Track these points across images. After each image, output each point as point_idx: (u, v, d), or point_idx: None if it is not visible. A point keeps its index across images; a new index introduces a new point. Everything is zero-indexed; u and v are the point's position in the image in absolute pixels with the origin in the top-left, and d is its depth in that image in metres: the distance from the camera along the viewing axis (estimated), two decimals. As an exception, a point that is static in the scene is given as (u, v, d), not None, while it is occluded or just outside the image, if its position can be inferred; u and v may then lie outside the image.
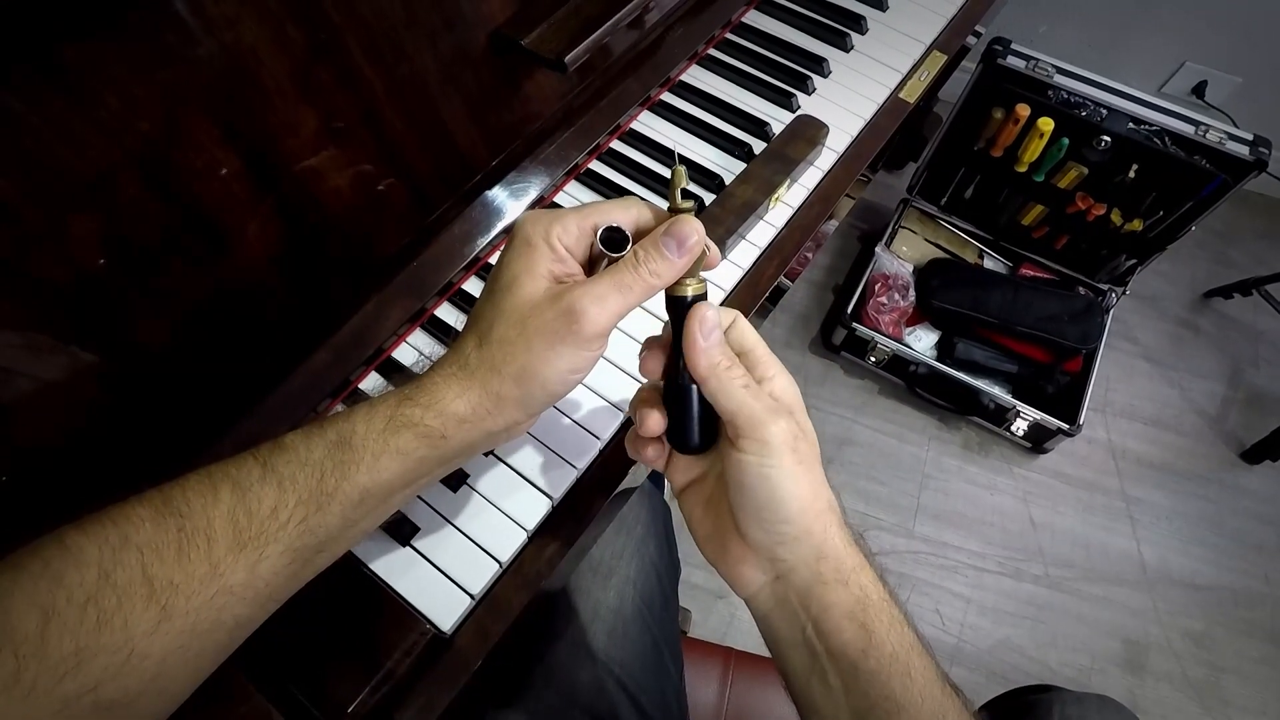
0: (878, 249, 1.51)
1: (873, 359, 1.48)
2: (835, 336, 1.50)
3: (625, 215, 0.38)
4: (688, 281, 0.37)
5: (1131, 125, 1.24)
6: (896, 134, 0.70)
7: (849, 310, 1.45)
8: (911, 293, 1.49)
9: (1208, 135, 1.20)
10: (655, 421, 0.39)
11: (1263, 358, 1.62)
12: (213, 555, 0.32)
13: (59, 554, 0.30)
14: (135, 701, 0.31)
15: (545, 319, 0.36)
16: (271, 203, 0.43)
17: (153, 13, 0.36)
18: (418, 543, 0.47)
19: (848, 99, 0.68)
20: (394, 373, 0.53)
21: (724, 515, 0.40)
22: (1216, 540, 1.43)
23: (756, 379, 0.38)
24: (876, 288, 1.48)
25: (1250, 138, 1.21)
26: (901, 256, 1.54)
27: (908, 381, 1.47)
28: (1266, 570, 1.41)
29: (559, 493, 0.49)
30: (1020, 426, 1.42)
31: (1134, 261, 1.43)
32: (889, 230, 1.56)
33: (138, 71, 0.36)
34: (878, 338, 1.42)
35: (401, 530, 0.47)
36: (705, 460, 0.42)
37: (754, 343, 0.40)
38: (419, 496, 0.48)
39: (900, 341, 1.44)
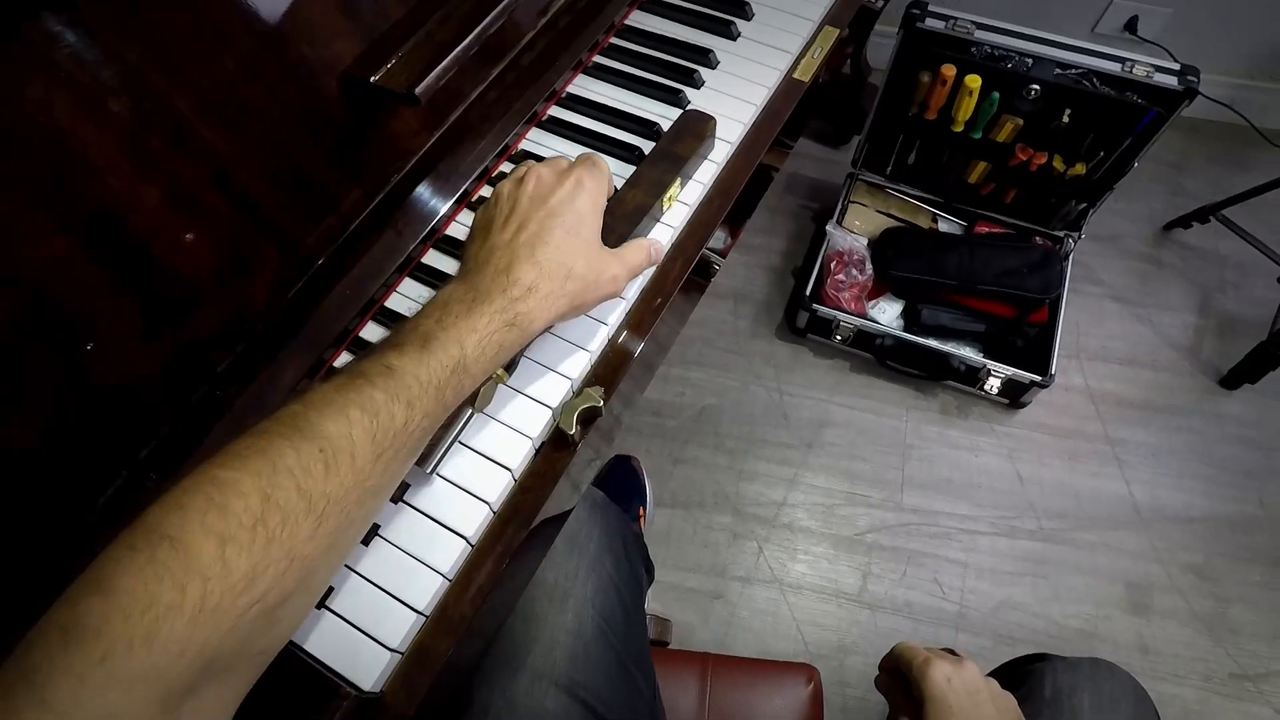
0: (829, 226, 1.50)
1: (839, 337, 1.47)
2: (799, 320, 1.49)
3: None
4: None
5: (1058, 70, 1.23)
6: (797, 114, 0.69)
7: (809, 292, 1.44)
8: (869, 266, 1.48)
9: (1134, 70, 1.19)
10: None
11: (1229, 282, 1.61)
12: (357, 466, 0.37)
13: (216, 489, 0.33)
14: (289, 600, 0.35)
15: (608, 278, 0.50)
16: (125, 281, 0.42)
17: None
18: (332, 603, 0.46)
19: (738, 87, 0.67)
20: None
21: None
22: (1206, 470, 1.42)
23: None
24: (833, 265, 1.47)
25: (1177, 67, 1.20)
26: (855, 231, 1.53)
27: (877, 355, 1.46)
28: (1260, 494, 1.39)
29: (474, 532, 0.48)
30: (994, 384, 1.41)
31: (1085, 205, 1.42)
32: (839, 206, 1.55)
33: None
34: (840, 316, 1.41)
35: (317, 592, 0.46)
36: None
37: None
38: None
39: (864, 316, 1.44)
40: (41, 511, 0.42)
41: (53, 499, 0.43)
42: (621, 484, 1.34)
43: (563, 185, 0.49)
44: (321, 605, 0.46)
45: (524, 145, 0.64)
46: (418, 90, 0.46)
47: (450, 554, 0.47)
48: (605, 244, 0.55)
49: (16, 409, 0.39)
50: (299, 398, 0.39)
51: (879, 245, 1.50)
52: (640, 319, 0.57)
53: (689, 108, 0.64)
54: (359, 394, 0.38)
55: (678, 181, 0.57)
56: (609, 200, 0.53)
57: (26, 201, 0.37)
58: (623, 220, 0.55)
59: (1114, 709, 0.65)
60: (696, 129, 0.60)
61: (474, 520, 0.48)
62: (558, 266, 0.46)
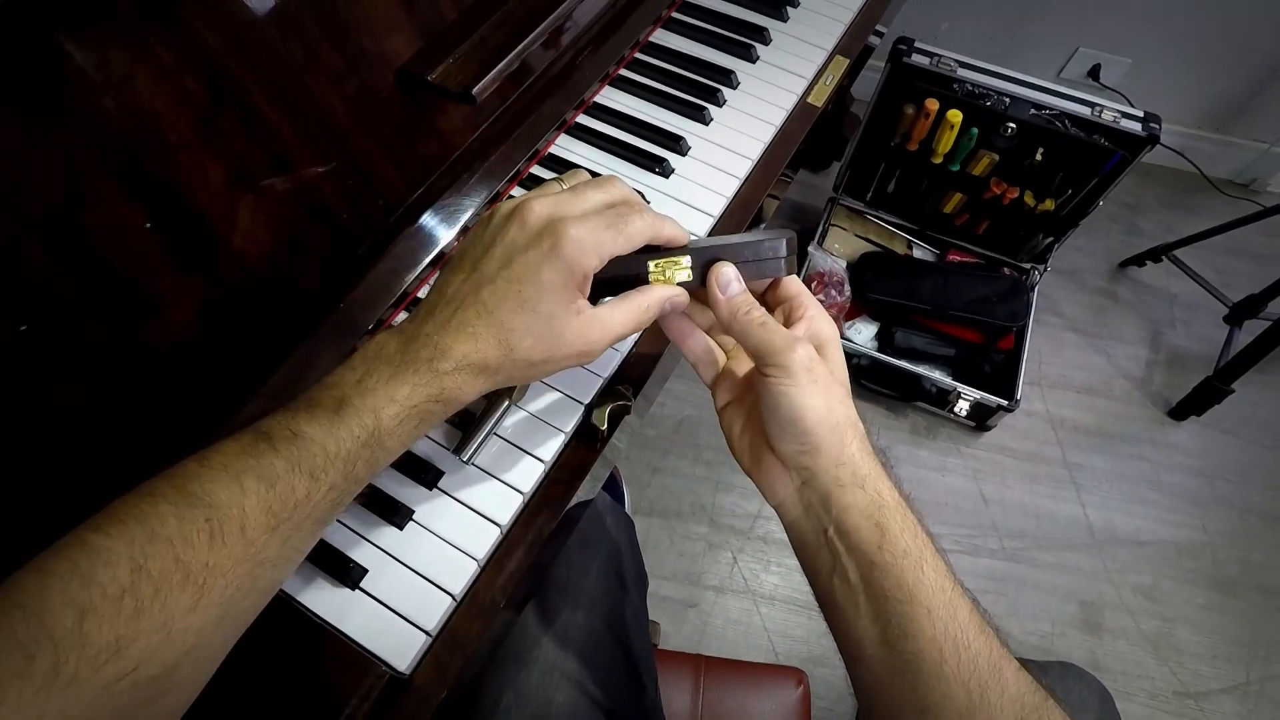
0: (810, 248, 1.55)
1: (817, 355, 1.51)
2: (779, 337, 1.53)
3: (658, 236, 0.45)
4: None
5: (1034, 111, 1.30)
6: (809, 138, 0.72)
7: (789, 310, 1.48)
8: (847, 288, 1.53)
9: (1102, 115, 1.27)
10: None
11: (1178, 319, 1.71)
12: (247, 538, 0.35)
13: (85, 555, 0.31)
14: (173, 673, 0.33)
15: (568, 353, 0.43)
16: (186, 257, 0.42)
17: (45, 77, 0.35)
18: (367, 585, 0.46)
19: (757, 108, 0.70)
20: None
21: (758, 431, 0.46)
22: (1155, 496, 1.50)
23: (796, 319, 0.45)
24: (813, 286, 1.51)
25: (1141, 114, 1.28)
26: (834, 253, 1.58)
27: (852, 374, 1.51)
28: (1203, 520, 1.48)
29: (507, 519, 0.49)
30: (963, 407, 1.47)
31: (1051, 239, 1.50)
32: (820, 229, 1.60)
33: (32, 139, 0.35)
34: (819, 334, 1.45)
35: (351, 575, 0.46)
36: (743, 384, 0.48)
37: (796, 290, 0.47)
38: (366, 539, 0.48)
39: (841, 336, 1.48)
40: (85, 472, 0.42)
41: (93, 459, 0.42)
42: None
43: (539, 245, 0.41)
44: (356, 587, 0.46)
45: (553, 150, 0.66)
46: (474, 90, 0.48)
47: (483, 540, 0.48)
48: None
49: (73, 370, 0.40)
50: (200, 454, 0.36)
51: (857, 268, 1.56)
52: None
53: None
54: (258, 460, 0.36)
55: (687, 257, 0.46)
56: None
57: (104, 173, 0.38)
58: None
59: (1082, 709, 0.68)
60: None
61: (507, 508, 0.49)
62: (497, 344, 0.41)
